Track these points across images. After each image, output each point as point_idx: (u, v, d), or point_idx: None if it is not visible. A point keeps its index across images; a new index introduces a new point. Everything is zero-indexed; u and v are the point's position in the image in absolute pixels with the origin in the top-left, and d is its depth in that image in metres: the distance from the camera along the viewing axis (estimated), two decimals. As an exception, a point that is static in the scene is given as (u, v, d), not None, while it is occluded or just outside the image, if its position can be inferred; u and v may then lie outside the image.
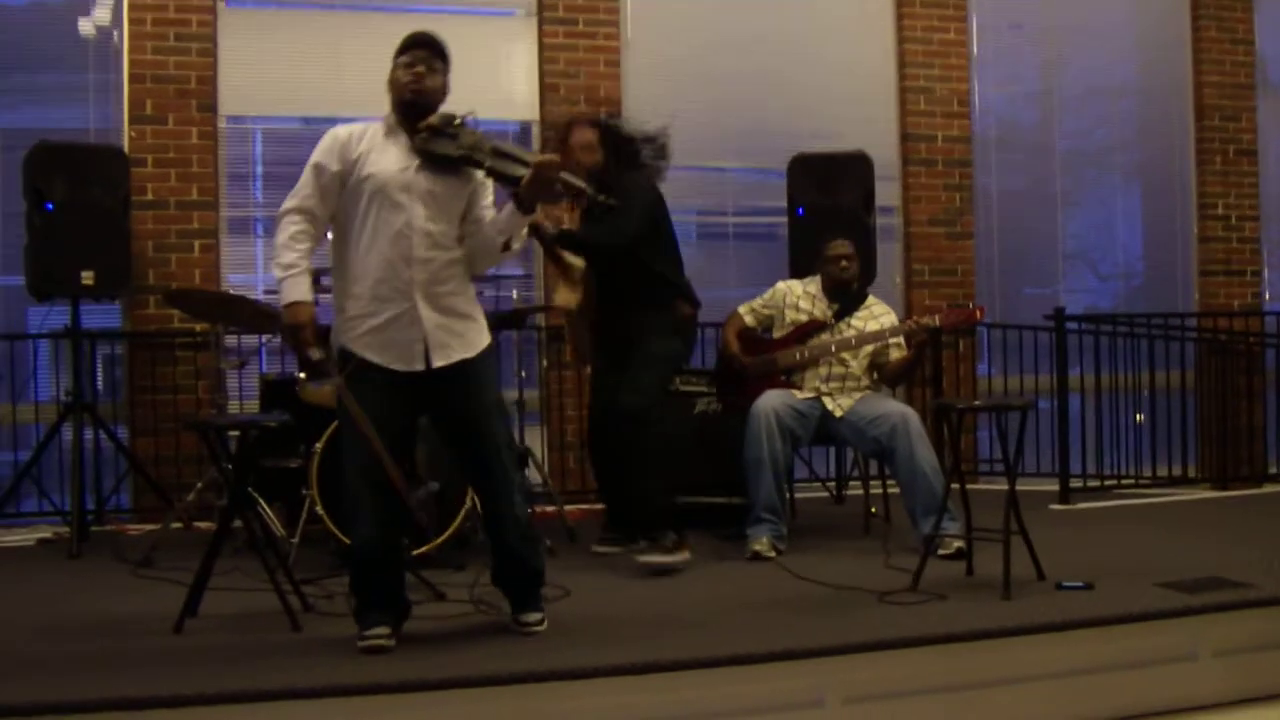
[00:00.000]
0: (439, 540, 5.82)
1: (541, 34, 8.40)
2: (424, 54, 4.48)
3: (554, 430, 8.24)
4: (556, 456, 8.23)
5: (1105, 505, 7.79)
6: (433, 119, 4.44)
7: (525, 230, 4.61)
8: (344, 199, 4.42)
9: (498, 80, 8.46)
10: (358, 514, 4.42)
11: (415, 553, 5.60)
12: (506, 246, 4.51)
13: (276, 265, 4.39)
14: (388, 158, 4.41)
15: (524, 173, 4.38)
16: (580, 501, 7.81)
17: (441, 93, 4.51)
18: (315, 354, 4.36)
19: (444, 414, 4.56)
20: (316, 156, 4.46)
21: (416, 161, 4.40)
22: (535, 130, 8.39)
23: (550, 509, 7.11)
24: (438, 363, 4.39)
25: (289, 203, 4.44)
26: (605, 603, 5.21)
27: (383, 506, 4.38)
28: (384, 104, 4.54)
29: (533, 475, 7.07)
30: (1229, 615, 4.84)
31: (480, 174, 4.49)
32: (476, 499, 5.22)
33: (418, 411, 4.57)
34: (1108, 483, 8.34)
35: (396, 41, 4.56)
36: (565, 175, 4.51)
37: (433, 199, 4.40)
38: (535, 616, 4.62)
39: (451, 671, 4.09)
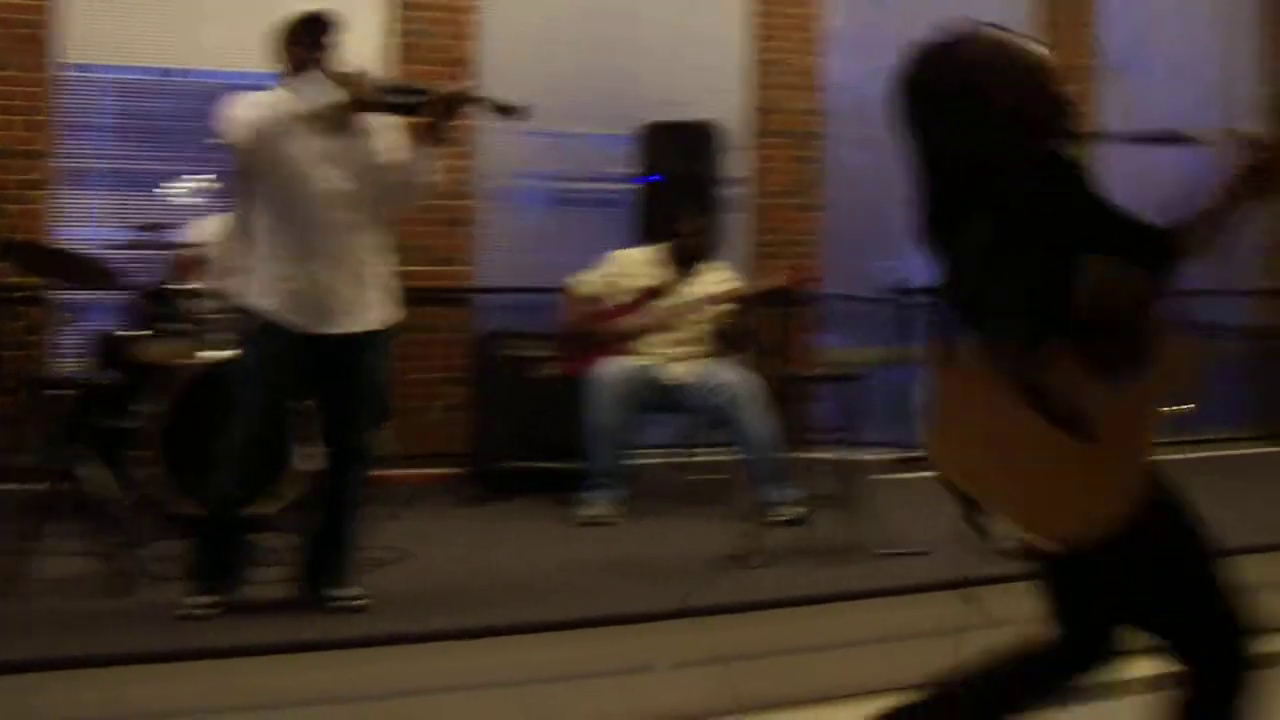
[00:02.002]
0: (276, 503, 5.73)
1: (397, -7, 8.29)
2: (318, 34, 4.48)
3: (398, 393, 8.11)
4: (401, 420, 8.12)
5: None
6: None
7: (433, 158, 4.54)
8: (256, 161, 4.35)
9: (352, 40, 8.28)
10: (227, 470, 4.34)
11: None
12: (425, 184, 4.53)
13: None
14: (296, 129, 4.35)
15: (419, 99, 4.39)
16: (423, 465, 7.75)
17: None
18: None
19: (331, 383, 4.48)
20: (238, 113, 4.36)
21: (321, 123, 4.36)
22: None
23: (394, 473, 7.04)
24: (347, 328, 4.34)
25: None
26: (443, 567, 5.19)
27: (255, 468, 4.34)
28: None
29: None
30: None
31: (378, 118, 4.48)
32: (323, 467, 5.08)
33: (308, 378, 4.48)
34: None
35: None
36: (464, 92, 4.56)
37: (339, 156, 4.38)
38: (355, 591, 4.53)
39: (278, 637, 4.05)
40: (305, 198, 4.31)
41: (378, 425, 4.61)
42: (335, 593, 4.48)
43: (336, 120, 4.38)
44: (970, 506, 2.76)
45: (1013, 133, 2.62)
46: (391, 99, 4.45)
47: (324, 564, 4.54)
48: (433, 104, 4.38)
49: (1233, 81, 10.72)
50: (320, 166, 4.33)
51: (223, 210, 5.88)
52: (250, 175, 4.38)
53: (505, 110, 4.60)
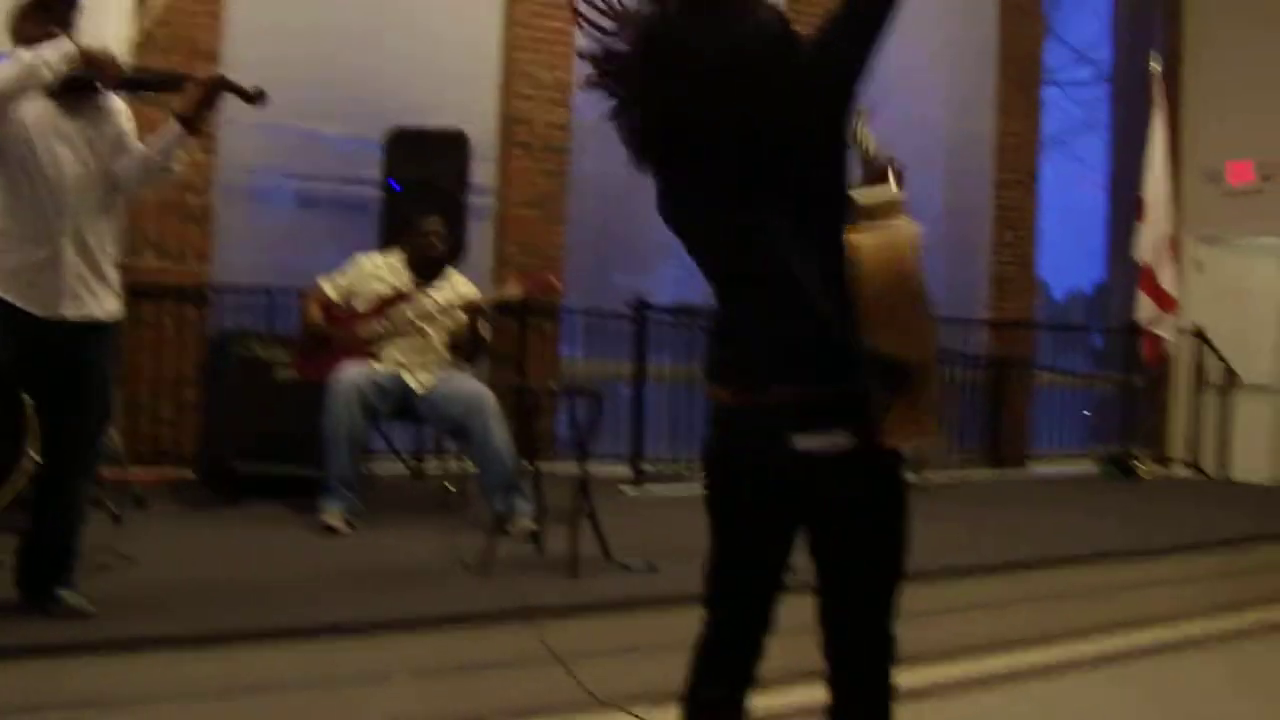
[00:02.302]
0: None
1: (138, -22, 8.04)
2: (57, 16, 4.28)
3: (127, 391, 7.92)
4: (129, 419, 7.91)
5: (676, 491, 8.05)
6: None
7: (183, 152, 4.43)
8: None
9: (91, 26, 8.01)
10: None
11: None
12: (166, 170, 4.41)
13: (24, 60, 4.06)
14: (33, 103, 4.17)
15: (162, 78, 4.38)
16: (151, 465, 7.55)
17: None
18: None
19: (55, 370, 4.30)
20: None
21: (55, 101, 4.20)
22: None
23: (119, 472, 6.83)
24: (68, 313, 4.17)
25: None
26: (169, 572, 5.05)
27: None
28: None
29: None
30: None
31: (117, 101, 4.37)
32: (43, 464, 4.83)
33: (30, 362, 4.28)
34: (679, 468, 8.64)
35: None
36: (225, 79, 4.43)
37: (78, 136, 4.24)
38: (74, 594, 4.30)
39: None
40: (39, 175, 4.15)
41: (103, 422, 4.46)
42: (56, 595, 4.30)
43: (77, 97, 4.24)
44: None
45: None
46: (146, 78, 4.35)
47: (43, 566, 4.36)
48: (195, 89, 4.31)
49: (961, 122, 11.24)
50: (57, 143, 4.18)
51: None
52: None
53: (254, 97, 4.52)
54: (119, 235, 4.46)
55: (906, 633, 2.70)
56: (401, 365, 6.43)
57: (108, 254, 4.34)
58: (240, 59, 8.13)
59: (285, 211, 8.74)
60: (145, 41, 7.82)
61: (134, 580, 4.82)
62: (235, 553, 5.55)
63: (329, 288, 6.65)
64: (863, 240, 2.50)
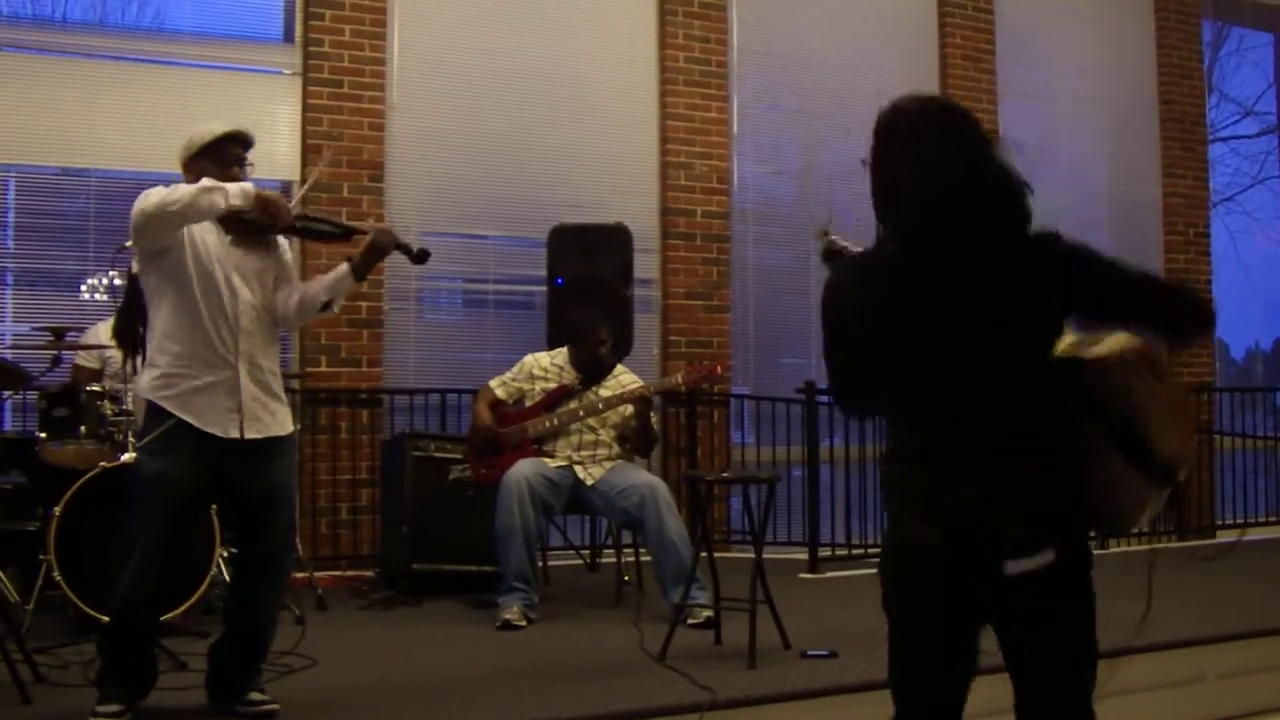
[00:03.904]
0: (183, 607, 5.63)
1: (306, 94, 8.30)
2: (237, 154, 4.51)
3: (305, 495, 8.09)
4: (308, 522, 8.06)
5: (854, 574, 7.93)
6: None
7: (346, 291, 4.64)
8: (168, 260, 4.32)
9: (259, 138, 8.26)
10: (131, 575, 4.24)
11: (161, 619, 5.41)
12: (327, 306, 4.59)
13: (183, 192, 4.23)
14: (207, 230, 4.36)
15: (331, 229, 4.57)
16: (331, 568, 7.68)
17: None
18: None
19: (242, 489, 4.42)
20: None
21: (230, 236, 4.40)
22: (295, 189, 8.27)
23: (301, 575, 6.96)
24: (250, 434, 4.31)
25: None
26: (351, 672, 5.11)
27: (161, 572, 4.26)
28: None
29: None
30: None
31: (282, 240, 4.58)
32: (228, 570, 4.95)
33: (215, 481, 4.41)
34: (855, 551, 8.51)
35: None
36: (398, 241, 4.62)
37: (250, 270, 4.42)
38: (265, 696, 4.40)
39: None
40: (217, 302, 4.30)
41: (288, 532, 4.56)
42: (249, 697, 4.38)
43: (250, 233, 4.40)
44: None
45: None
46: (315, 229, 4.54)
47: (234, 671, 4.45)
48: (369, 249, 4.53)
49: (1126, 185, 11.03)
50: (234, 274, 4.34)
51: (118, 310, 5.84)
52: (159, 273, 4.34)
53: (418, 256, 4.73)
54: (279, 354, 4.62)
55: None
56: (573, 460, 6.46)
57: (277, 375, 4.51)
58: (402, 168, 8.36)
59: (458, 312, 8.89)
60: (306, 200, 8.06)
61: (318, 681, 4.88)
62: (415, 651, 5.59)
63: (499, 388, 6.74)
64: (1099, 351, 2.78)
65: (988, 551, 2.66)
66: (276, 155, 8.31)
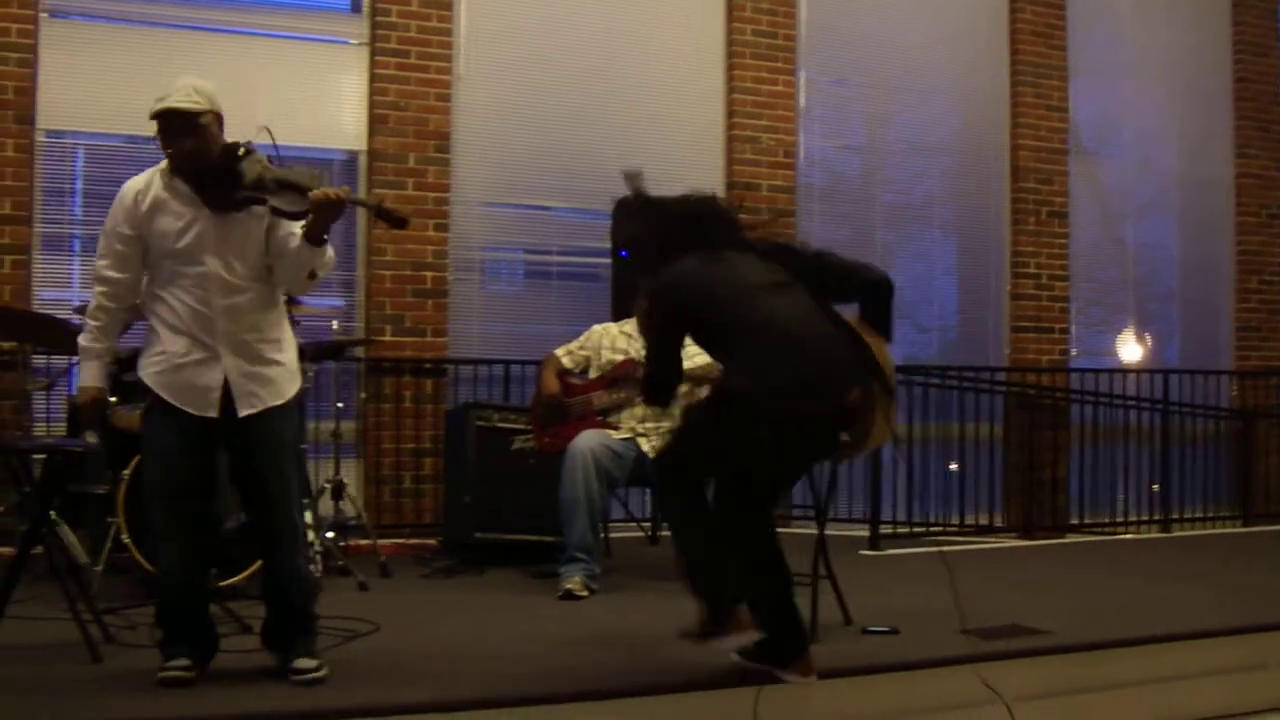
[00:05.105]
0: (246, 572, 5.69)
1: (373, 65, 8.33)
2: (169, 130, 4.29)
3: (369, 463, 8.15)
4: (372, 490, 8.12)
5: (914, 552, 7.91)
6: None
7: (329, 256, 4.45)
8: (148, 251, 4.33)
9: (326, 108, 8.36)
10: (161, 544, 4.31)
11: (222, 584, 5.47)
12: (313, 275, 4.43)
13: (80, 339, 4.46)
14: (170, 212, 4.29)
15: (305, 206, 4.24)
16: (394, 536, 7.73)
17: (206, 145, 4.29)
18: (89, 437, 4.55)
19: (237, 458, 4.44)
20: (108, 222, 4.35)
21: (203, 211, 4.29)
22: (362, 161, 8.32)
23: (364, 543, 7.02)
24: (242, 412, 4.30)
25: (96, 264, 4.39)
26: (415, 639, 5.14)
27: (185, 537, 4.28)
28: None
29: (347, 509, 6.98)
30: (1028, 661, 4.95)
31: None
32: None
33: (216, 448, 4.43)
34: (917, 530, 8.49)
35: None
36: (351, 197, 4.36)
37: (225, 245, 4.31)
38: (312, 663, 4.36)
39: (250, 706, 4.00)
40: (185, 285, 4.27)
41: (293, 502, 4.50)
42: (294, 665, 4.39)
43: (223, 208, 4.32)
44: None
45: None
46: (275, 203, 4.27)
47: (280, 636, 4.47)
48: (314, 222, 4.28)
49: (1196, 165, 10.91)
50: (203, 252, 4.28)
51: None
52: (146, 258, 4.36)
53: (388, 217, 4.42)
54: (280, 320, 4.51)
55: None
56: (637, 432, 6.46)
57: (277, 341, 4.44)
58: (467, 139, 8.37)
59: (520, 284, 8.91)
60: (378, 124, 8.07)
61: (380, 647, 4.91)
62: (477, 620, 5.62)
63: (565, 357, 6.75)
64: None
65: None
66: (343, 125, 8.35)
